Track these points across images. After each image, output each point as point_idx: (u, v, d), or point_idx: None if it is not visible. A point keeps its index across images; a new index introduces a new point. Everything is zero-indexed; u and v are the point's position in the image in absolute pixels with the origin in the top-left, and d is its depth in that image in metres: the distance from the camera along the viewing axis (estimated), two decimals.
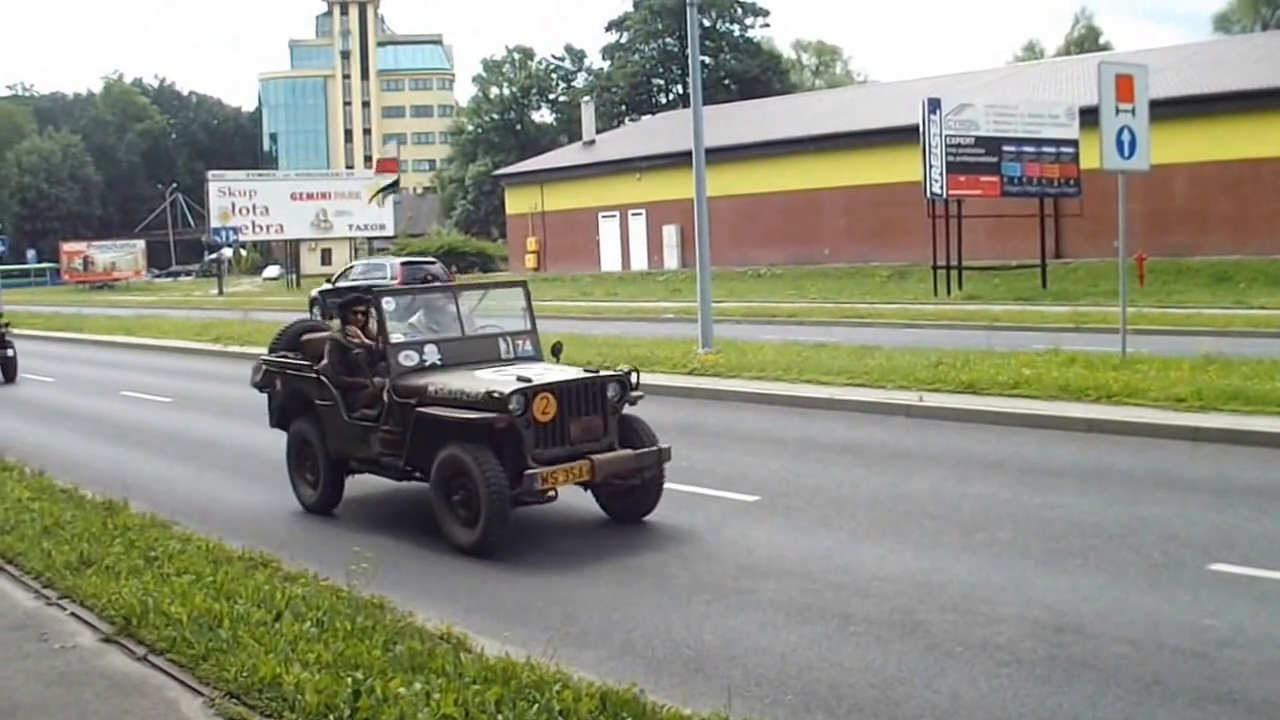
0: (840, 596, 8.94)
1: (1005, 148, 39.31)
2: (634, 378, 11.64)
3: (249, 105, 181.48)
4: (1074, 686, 7.07)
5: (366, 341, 12.68)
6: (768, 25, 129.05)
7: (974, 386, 17.63)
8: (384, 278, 43.92)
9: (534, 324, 12.87)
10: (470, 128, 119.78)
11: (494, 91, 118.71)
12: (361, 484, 13.23)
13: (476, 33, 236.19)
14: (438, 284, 24.95)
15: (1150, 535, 10.15)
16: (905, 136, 43.07)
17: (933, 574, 9.37)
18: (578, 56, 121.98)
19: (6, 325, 29.61)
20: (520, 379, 10.92)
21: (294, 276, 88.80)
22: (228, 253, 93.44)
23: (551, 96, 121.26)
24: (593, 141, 76.70)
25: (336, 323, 13.36)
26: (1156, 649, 7.57)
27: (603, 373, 11.60)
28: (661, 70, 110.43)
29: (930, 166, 38.46)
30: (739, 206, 56.11)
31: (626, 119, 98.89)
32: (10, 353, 28.72)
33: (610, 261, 66.63)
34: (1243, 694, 6.85)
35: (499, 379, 11.15)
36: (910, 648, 7.82)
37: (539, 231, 71.63)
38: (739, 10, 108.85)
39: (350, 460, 12.53)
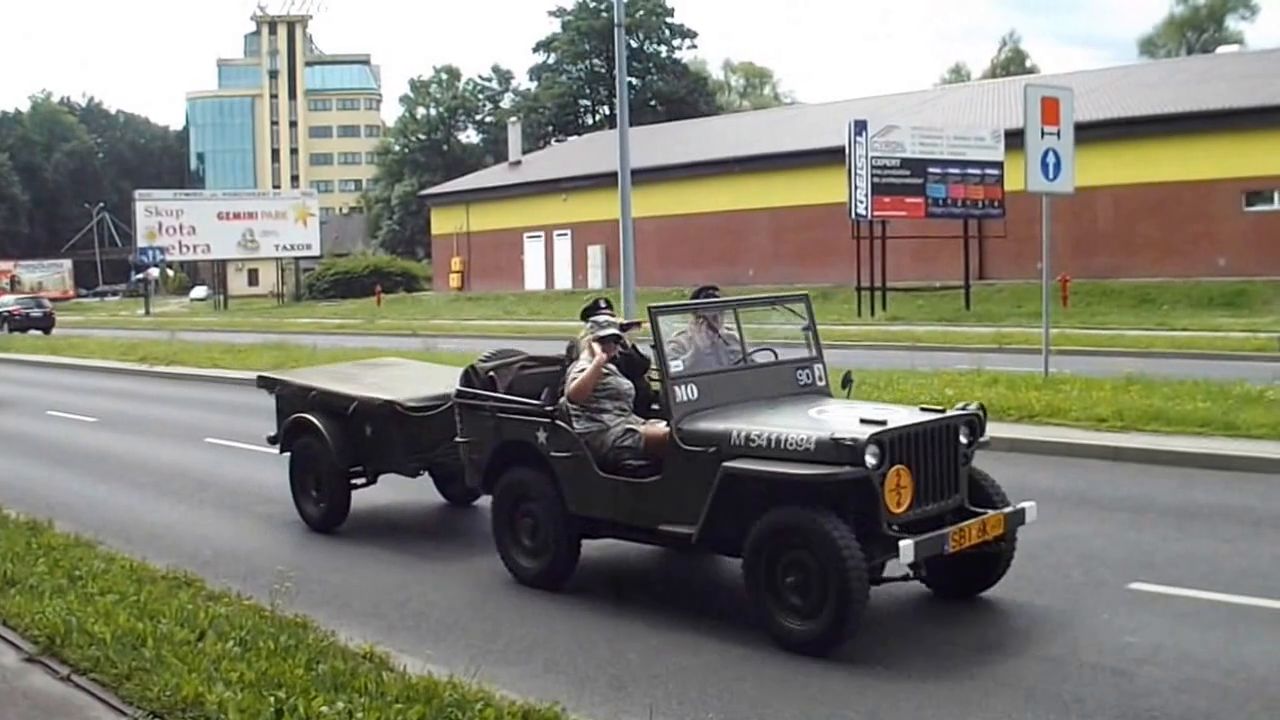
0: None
1: (931, 169, 39.79)
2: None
3: (177, 124, 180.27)
4: (994, 705, 7.14)
5: None
6: (695, 47, 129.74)
7: None
8: None
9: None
10: (397, 148, 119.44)
11: (421, 112, 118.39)
12: (287, 504, 13.14)
13: (404, 53, 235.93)
14: None
15: (1070, 554, 10.28)
16: (831, 158, 43.46)
17: None
18: (505, 77, 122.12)
19: None
20: None
21: (221, 297, 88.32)
22: (154, 273, 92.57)
23: (478, 117, 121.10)
24: (519, 162, 76.77)
25: None
26: (1076, 667, 7.67)
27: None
28: (589, 91, 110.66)
29: (855, 188, 38.82)
30: (665, 227, 56.32)
31: (553, 140, 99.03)
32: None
33: (535, 281, 66.62)
34: (1162, 711, 6.95)
35: None
36: (831, 668, 7.85)
37: (464, 251, 71.52)
38: (667, 32, 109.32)
39: None
